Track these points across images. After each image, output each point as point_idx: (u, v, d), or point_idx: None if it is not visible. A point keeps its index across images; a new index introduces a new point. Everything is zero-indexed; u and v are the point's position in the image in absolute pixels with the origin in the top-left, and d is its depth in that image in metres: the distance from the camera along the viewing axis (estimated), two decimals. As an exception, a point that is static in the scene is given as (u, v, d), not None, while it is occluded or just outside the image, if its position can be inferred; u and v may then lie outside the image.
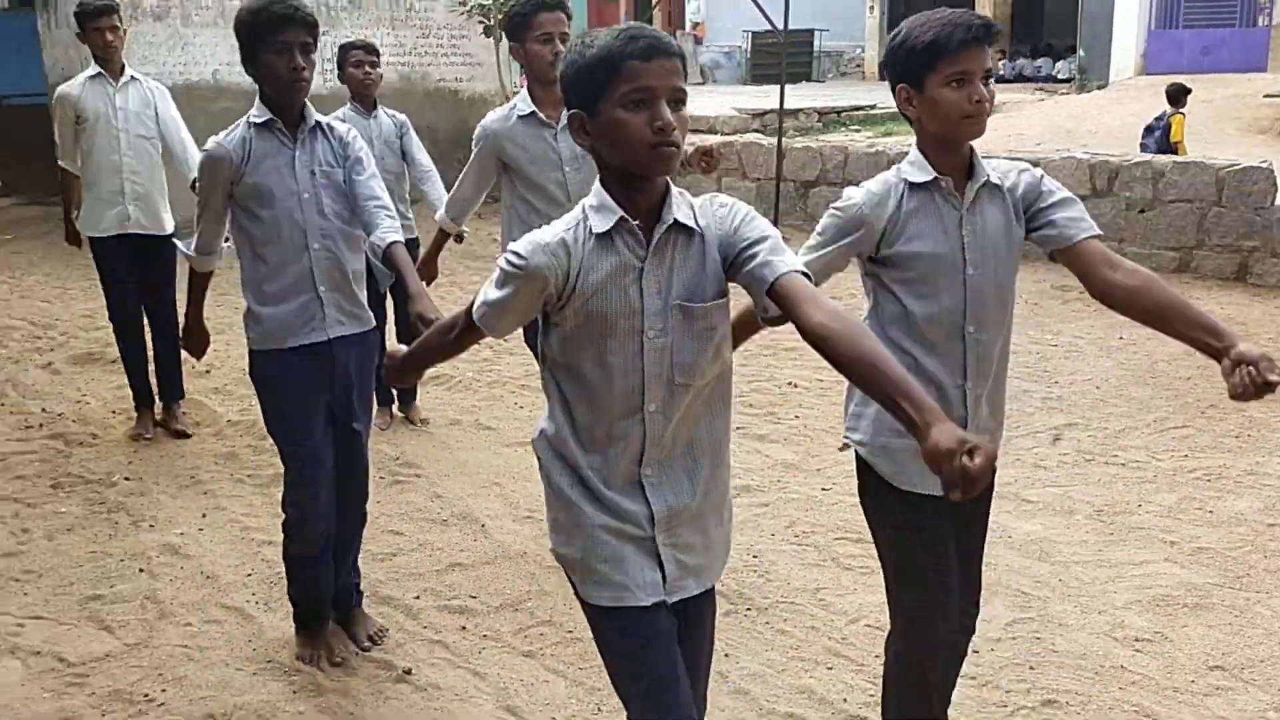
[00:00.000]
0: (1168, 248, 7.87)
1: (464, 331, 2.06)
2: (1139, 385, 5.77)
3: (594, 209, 1.86)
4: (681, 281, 1.88)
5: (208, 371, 6.17)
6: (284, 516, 3.23)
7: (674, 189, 1.89)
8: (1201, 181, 7.70)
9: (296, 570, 3.28)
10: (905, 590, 2.42)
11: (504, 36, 11.11)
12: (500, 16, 10.13)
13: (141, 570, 3.85)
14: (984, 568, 2.57)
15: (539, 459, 2.03)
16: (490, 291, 1.91)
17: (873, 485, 2.40)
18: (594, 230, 1.84)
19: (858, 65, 24.54)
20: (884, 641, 2.54)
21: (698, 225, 1.88)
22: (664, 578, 1.97)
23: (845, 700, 3.04)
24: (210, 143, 3.04)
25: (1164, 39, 19.82)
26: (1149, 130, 10.25)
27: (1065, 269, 2.26)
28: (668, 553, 1.98)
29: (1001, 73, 23.34)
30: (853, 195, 2.29)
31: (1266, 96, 15.44)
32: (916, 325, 2.29)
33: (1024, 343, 6.58)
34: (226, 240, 3.27)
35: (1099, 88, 19.72)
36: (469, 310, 2.00)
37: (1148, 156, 8.18)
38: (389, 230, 3.04)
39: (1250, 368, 1.92)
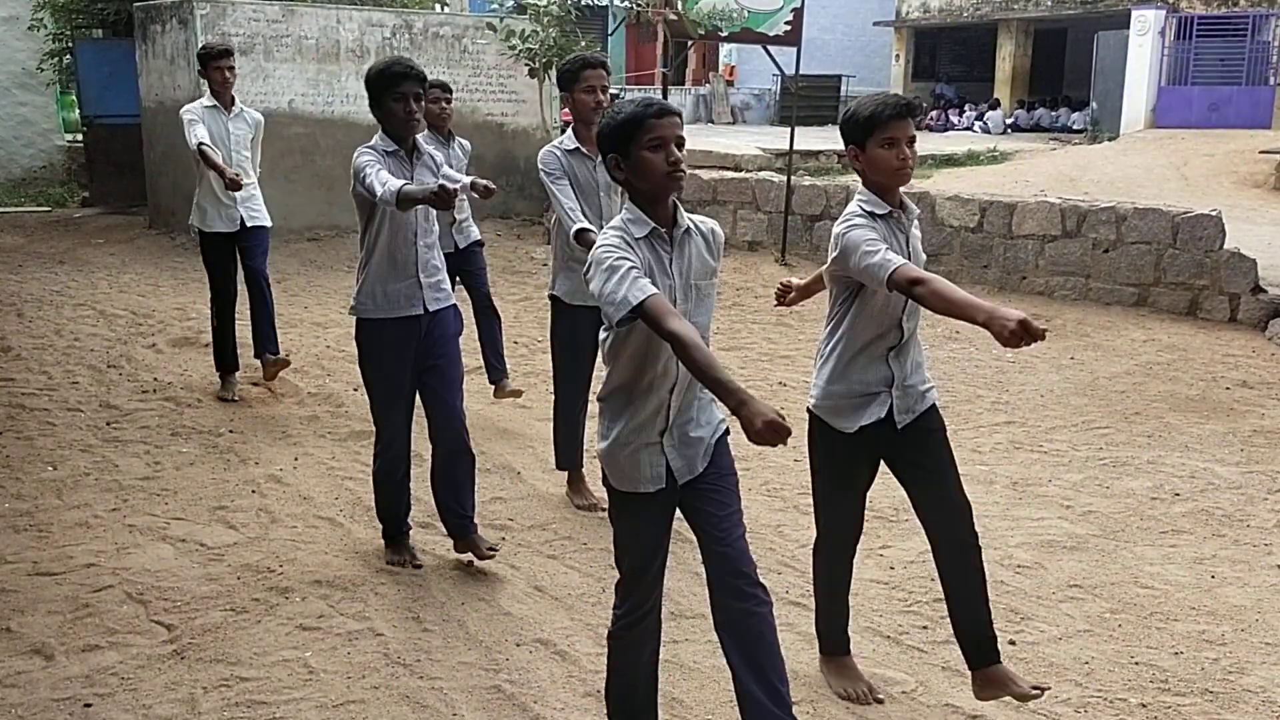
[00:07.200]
0: (1128, 284, 8.84)
1: (660, 328, 2.55)
2: (1078, 395, 6.76)
3: (630, 221, 2.72)
4: (694, 268, 2.83)
5: (288, 354, 7.29)
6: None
7: (680, 206, 2.85)
8: (1159, 226, 8.69)
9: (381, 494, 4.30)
10: (824, 502, 3.46)
11: (547, 77, 12.14)
12: (544, 60, 11.29)
13: (253, 491, 4.95)
14: (910, 523, 3.53)
15: (600, 403, 2.88)
16: (619, 283, 2.56)
17: (817, 429, 3.39)
18: (635, 236, 2.76)
19: (882, 110, 25.52)
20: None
21: (699, 230, 2.85)
22: (669, 471, 2.83)
23: (787, 592, 4.06)
24: (367, 149, 3.96)
25: (1173, 95, 20.79)
26: None
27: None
28: (671, 451, 2.82)
29: (1018, 122, 24.44)
30: (861, 219, 3.12)
31: (1262, 152, 16.39)
32: (871, 314, 3.20)
33: (986, 359, 7.59)
34: None
35: (1110, 139, 20.70)
36: (664, 325, 2.53)
37: (1113, 202, 9.18)
38: None
39: None
